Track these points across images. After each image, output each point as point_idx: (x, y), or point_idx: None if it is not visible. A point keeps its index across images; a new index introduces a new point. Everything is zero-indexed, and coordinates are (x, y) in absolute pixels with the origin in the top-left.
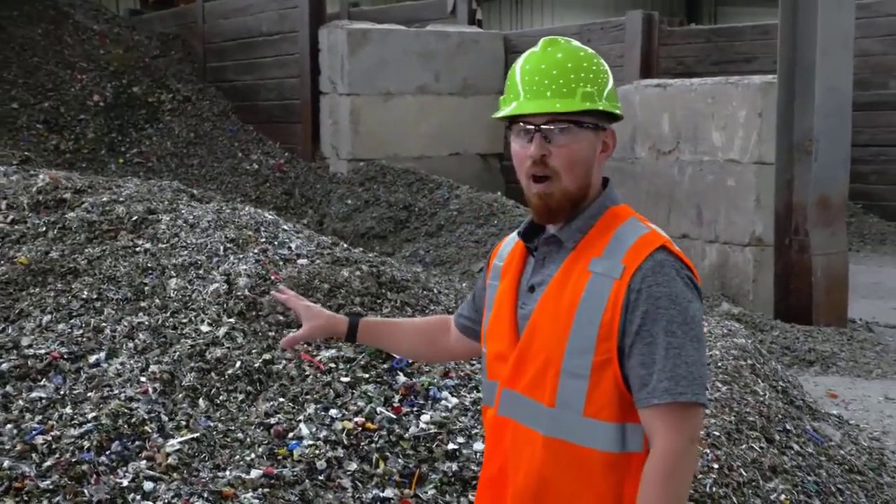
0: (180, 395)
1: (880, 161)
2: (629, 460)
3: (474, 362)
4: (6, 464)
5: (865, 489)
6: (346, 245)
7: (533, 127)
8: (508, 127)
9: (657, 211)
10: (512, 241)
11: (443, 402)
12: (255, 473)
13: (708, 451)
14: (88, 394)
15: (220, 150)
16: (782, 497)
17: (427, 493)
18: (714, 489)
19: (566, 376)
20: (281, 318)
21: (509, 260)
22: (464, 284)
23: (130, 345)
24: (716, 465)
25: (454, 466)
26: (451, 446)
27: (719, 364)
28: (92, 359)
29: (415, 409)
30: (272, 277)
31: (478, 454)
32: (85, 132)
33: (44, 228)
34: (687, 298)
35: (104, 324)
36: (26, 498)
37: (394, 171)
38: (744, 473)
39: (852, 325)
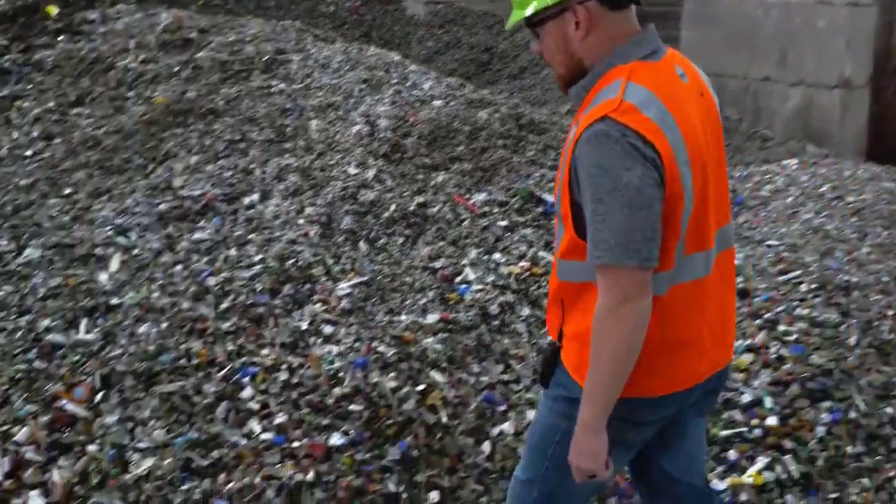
0: (340, 238)
1: None
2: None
3: None
4: (185, 304)
5: None
6: (472, 86)
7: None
8: None
9: (736, 54)
10: None
11: None
12: (431, 318)
13: (880, 296)
14: (250, 236)
15: None
16: None
17: None
18: (892, 336)
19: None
20: (427, 160)
21: None
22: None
23: (281, 186)
24: (890, 312)
25: None
26: None
27: (875, 208)
28: (246, 200)
29: None
30: (411, 119)
31: None
32: None
33: (177, 68)
34: (623, 166)
35: (252, 165)
36: (210, 339)
37: (473, 14)
38: None
39: None
